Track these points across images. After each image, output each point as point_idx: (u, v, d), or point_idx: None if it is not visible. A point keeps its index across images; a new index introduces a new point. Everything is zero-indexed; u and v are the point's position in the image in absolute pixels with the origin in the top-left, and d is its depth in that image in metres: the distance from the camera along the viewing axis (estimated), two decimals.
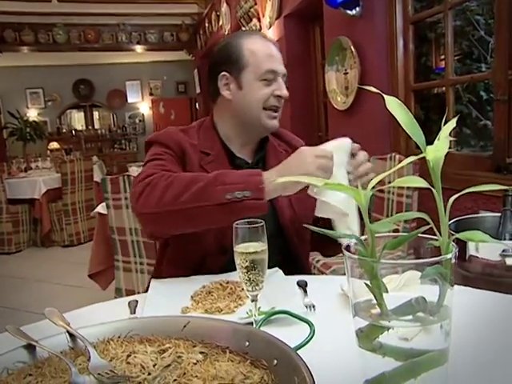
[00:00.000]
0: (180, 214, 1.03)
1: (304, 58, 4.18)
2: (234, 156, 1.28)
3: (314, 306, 0.90)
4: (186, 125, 1.33)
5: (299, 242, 1.29)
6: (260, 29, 4.68)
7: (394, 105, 0.54)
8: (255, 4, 4.81)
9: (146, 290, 1.06)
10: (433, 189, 0.52)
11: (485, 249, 1.09)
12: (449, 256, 0.51)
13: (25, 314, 3.11)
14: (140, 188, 1.06)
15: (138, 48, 8.88)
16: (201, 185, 1.02)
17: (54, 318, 0.72)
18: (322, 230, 0.59)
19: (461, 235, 0.52)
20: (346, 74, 3.00)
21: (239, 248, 0.79)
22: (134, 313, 0.93)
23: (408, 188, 2.07)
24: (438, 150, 0.50)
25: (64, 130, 10.82)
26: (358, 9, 2.74)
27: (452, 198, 0.52)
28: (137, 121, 11.28)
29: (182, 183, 1.04)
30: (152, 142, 1.25)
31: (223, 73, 1.24)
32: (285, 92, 1.24)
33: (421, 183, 0.51)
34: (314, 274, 2.11)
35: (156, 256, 1.39)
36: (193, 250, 1.20)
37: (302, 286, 1.01)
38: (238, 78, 1.23)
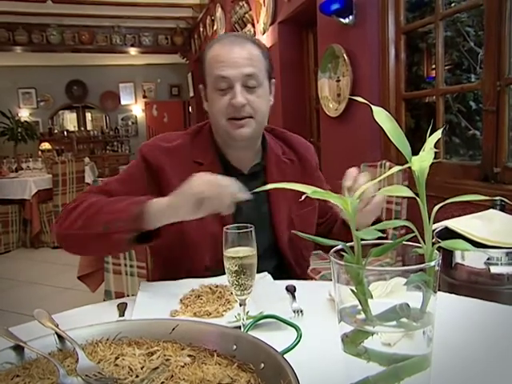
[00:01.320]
0: (73, 239, 1.09)
1: (297, 65, 4.21)
2: (229, 166, 1.19)
3: (301, 311, 0.91)
4: (180, 127, 1.30)
5: (296, 262, 1.23)
6: (254, 34, 4.70)
7: (381, 116, 0.55)
8: (250, 10, 4.85)
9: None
10: (417, 198, 0.53)
11: (470, 257, 1.11)
12: (432, 263, 0.52)
13: (13, 315, 3.07)
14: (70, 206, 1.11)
15: (132, 50, 8.88)
16: (92, 211, 1.02)
17: (42, 320, 0.72)
18: (316, 238, 0.60)
19: (444, 243, 0.53)
20: (338, 81, 3.03)
21: (229, 252, 0.80)
22: (123, 315, 0.93)
23: (397, 196, 2.09)
24: (423, 161, 0.52)
25: (56, 131, 10.76)
26: (351, 17, 2.77)
27: (436, 207, 0.53)
28: (129, 123, 11.25)
29: (90, 209, 1.04)
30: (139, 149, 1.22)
31: (200, 85, 1.22)
32: (237, 100, 1.09)
33: (405, 192, 0.52)
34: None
35: (151, 263, 1.36)
36: (181, 269, 1.14)
37: (291, 290, 1.02)
38: (206, 89, 1.18)
